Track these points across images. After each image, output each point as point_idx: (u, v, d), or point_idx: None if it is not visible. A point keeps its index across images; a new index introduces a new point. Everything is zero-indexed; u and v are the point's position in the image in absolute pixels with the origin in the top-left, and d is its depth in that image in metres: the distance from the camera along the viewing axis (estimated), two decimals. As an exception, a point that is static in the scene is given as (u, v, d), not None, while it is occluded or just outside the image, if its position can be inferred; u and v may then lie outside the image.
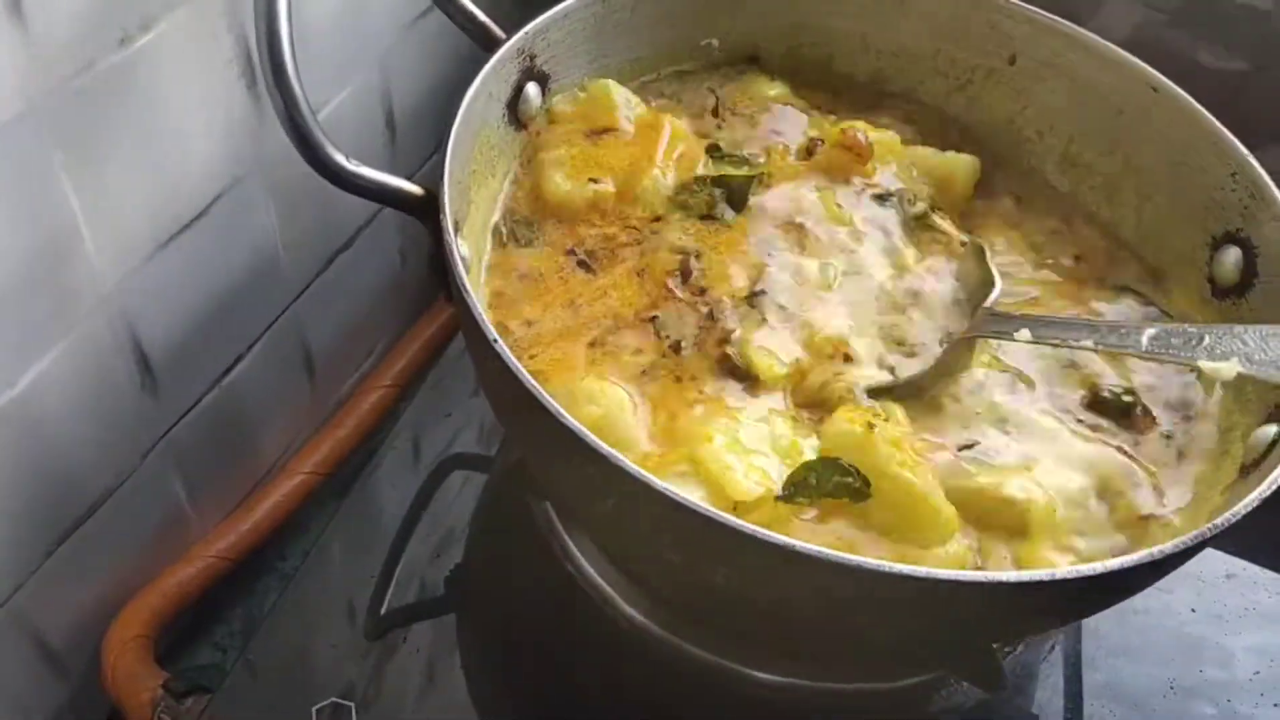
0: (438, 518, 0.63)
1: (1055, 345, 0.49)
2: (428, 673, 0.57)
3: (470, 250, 0.50)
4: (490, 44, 0.52)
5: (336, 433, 0.71)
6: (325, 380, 0.72)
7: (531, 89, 0.55)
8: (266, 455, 0.69)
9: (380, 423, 0.72)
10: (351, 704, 0.53)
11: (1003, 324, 0.50)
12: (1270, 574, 0.63)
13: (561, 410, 0.38)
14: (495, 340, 0.41)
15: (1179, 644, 0.60)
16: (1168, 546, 0.36)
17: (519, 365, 0.40)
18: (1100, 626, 0.60)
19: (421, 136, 0.72)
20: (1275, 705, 0.57)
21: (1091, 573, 0.35)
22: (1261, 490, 0.38)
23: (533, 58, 0.54)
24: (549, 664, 0.57)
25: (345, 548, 0.63)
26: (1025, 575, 0.35)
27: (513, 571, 0.61)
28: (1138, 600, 0.59)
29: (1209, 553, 0.62)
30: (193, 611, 0.63)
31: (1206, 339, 0.44)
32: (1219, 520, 0.37)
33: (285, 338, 0.66)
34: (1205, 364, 0.44)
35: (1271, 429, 0.44)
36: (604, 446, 0.37)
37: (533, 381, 0.39)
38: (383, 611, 0.59)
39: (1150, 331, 0.46)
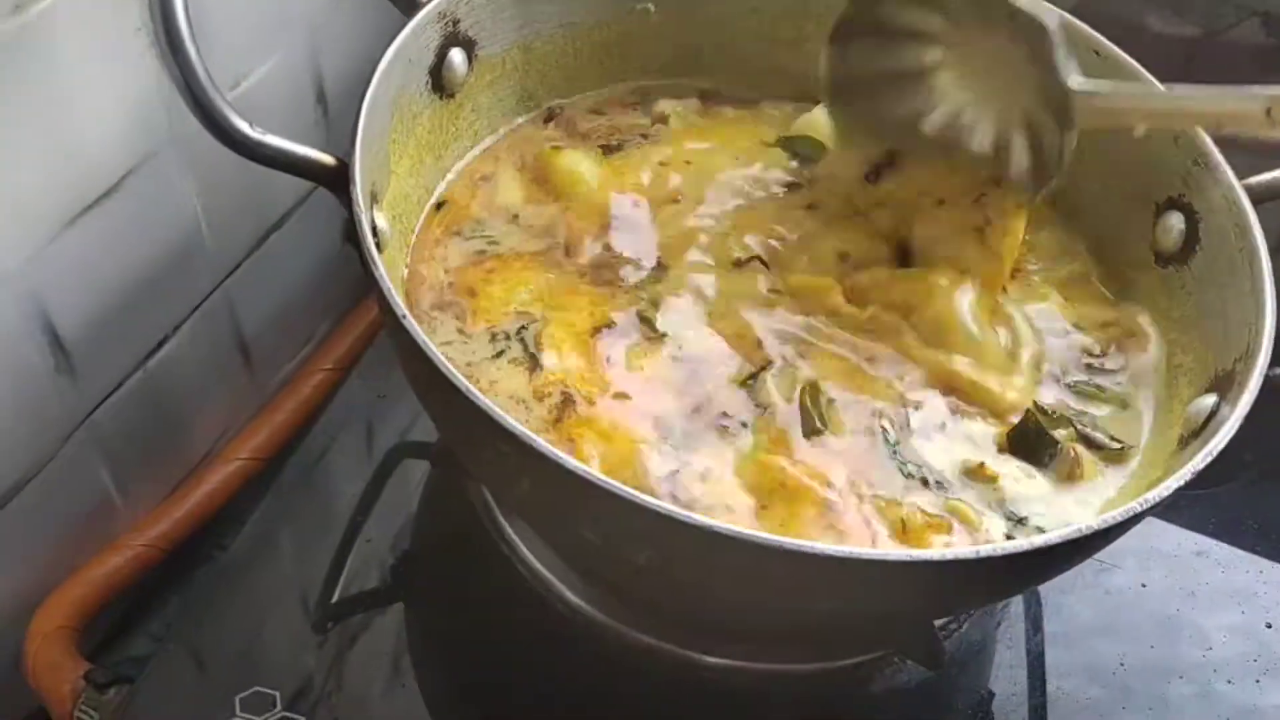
0: (394, 505, 0.61)
1: None
2: (381, 665, 0.55)
3: (390, 222, 0.48)
4: (410, 7, 0.50)
5: (275, 417, 0.68)
6: (262, 363, 0.70)
7: (456, 55, 0.52)
8: (201, 440, 0.67)
9: (324, 407, 0.69)
10: (276, 692, 0.51)
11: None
12: (1239, 551, 0.62)
13: (470, 387, 0.37)
14: (404, 316, 0.39)
15: (1150, 622, 0.59)
16: (1094, 523, 0.35)
17: (428, 342, 0.38)
18: (1067, 604, 0.59)
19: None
20: (1252, 681, 0.57)
21: (1016, 550, 0.33)
22: (1195, 464, 0.37)
23: (456, 22, 0.52)
24: (493, 652, 0.55)
25: (291, 536, 0.61)
26: (950, 553, 0.34)
27: (455, 558, 0.59)
28: (1105, 577, 0.59)
29: (1177, 530, 0.62)
30: (127, 602, 0.61)
31: None
32: (1150, 495, 0.36)
33: (215, 319, 0.63)
34: None
35: (1210, 399, 0.43)
36: (513, 423, 0.36)
37: (442, 358, 0.38)
38: (333, 601, 0.57)
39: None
